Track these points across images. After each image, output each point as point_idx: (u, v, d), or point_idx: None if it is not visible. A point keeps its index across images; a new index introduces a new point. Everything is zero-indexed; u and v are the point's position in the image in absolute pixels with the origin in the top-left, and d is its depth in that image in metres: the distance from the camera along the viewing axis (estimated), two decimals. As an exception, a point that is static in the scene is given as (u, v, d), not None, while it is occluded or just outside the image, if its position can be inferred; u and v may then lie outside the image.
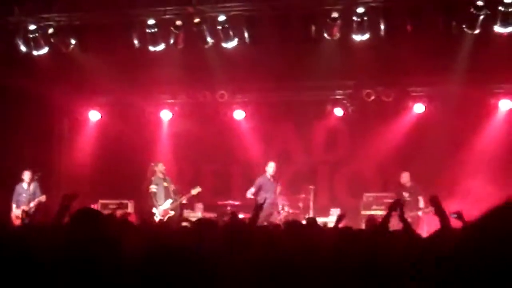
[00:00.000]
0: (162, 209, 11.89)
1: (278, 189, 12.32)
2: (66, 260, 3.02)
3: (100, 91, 13.69)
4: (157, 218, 11.71)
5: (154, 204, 11.95)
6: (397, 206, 5.90)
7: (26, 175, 12.20)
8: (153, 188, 12.03)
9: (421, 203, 11.26)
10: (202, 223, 5.34)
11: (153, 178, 12.14)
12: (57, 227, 4.65)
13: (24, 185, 12.21)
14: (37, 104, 13.39)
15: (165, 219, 11.73)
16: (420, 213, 11.20)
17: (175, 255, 2.91)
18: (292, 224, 5.65)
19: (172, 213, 11.94)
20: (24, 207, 11.92)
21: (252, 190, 11.83)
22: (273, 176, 12.05)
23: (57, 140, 14.32)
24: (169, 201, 12.01)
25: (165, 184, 12.11)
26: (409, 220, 10.27)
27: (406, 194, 11.41)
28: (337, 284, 3.12)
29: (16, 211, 12.00)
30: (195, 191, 12.07)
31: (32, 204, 11.99)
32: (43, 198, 12.06)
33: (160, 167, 12.23)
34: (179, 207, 12.16)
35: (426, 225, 10.48)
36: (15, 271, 2.30)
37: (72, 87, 13.35)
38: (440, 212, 5.32)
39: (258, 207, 6.22)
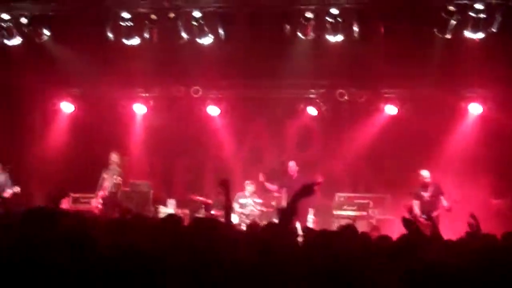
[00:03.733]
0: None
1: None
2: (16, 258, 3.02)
3: (74, 83, 13.55)
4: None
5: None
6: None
7: (-4, 167, 12.08)
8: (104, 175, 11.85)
9: (445, 203, 10.61)
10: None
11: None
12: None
13: (-6, 176, 12.10)
14: (9, 95, 13.26)
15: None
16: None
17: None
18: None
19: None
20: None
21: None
22: None
23: (28, 131, 14.05)
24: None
25: (106, 175, 11.77)
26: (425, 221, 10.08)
27: (426, 194, 10.86)
28: None
29: (-15, 202, 11.90)
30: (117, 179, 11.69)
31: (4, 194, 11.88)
32: (16, 189, 11.93)
33: (112, 158, 11.92)
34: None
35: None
36: None
37: (45, 78, 13.17)
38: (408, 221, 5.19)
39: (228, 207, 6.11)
